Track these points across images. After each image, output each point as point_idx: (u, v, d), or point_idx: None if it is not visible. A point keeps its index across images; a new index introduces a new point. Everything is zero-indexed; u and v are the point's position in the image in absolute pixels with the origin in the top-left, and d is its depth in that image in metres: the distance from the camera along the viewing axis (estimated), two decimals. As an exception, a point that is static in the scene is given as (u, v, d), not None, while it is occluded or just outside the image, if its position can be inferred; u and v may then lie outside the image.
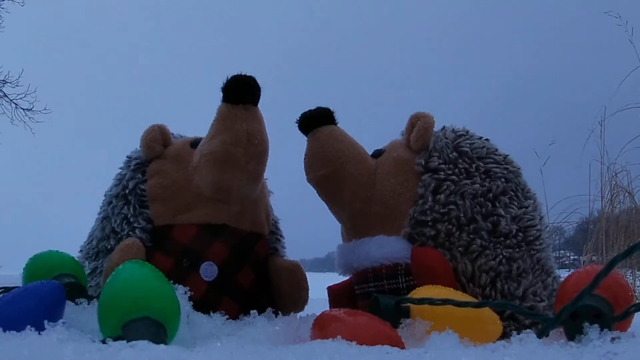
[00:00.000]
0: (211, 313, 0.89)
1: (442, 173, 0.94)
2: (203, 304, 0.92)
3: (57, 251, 0.94)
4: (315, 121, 1.02)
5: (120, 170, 1.10)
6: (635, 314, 0.70)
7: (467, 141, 0.98)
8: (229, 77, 0.95)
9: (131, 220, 1.01)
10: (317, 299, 1.12)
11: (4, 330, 0.60)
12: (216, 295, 0.98)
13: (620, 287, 0.71)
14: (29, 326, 0.60)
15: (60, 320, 0.65)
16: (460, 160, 0.95)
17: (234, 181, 0.97)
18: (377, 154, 1.06)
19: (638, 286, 2.44)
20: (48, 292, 0.69)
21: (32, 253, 0.92)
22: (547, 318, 0.70)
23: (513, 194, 0.94)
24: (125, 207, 1.02)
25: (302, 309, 1.10)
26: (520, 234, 0.92)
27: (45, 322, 0.62)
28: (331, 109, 1.03)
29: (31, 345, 0.52)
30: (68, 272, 0.90)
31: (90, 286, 1.00)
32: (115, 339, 0.55)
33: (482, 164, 0.95)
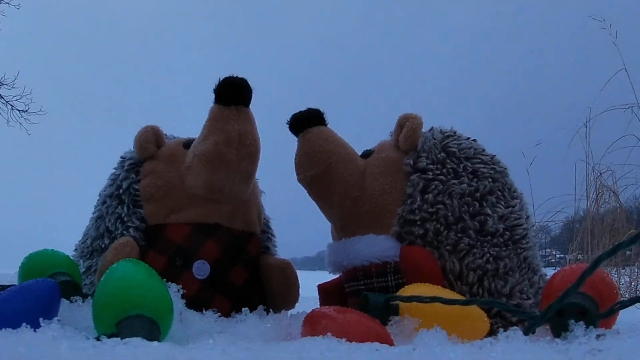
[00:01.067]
0: (204, 311, 0.89)
1: (430, 173, 0.95)
2: (196, 302, 0.92)
3: (52, 250, 0.95)
4: (306, 122, 1.02)
5: (114, 170, 1.10)
6: (620, 311, 0.71)
7: (455, 142, 0.99)
8: (221, 78, 0.96)
9: (125, 219, 1.01)
10: (308, 297, 1.13)
11: (0, 328, 0.60)
12: (209, 293, 0.99)
13: (605, 285, 0.72)
14: (24, 324, 0.60)
15: (56, 318, 0.65)
16: (448, 161, 0.96)
17: (226, 181, 0.98)
18: (367, 154, 1.06)
19: (623, 284, 2.46)
20: (43, 291, 0.70)
21: (27, 252, 0.93)
22: (533, 315, 0.71)
23: (500, 193, 0.95)
24: (119, 206, 1.03)
25: (293, 306, 1.11)
26: (507, 232, 0.93)
27: (41, 319, 0.62)
28: (321, 110, 1.03)
29: (27, 343, 0.52)
30: (63, 270, 0.91)
31: (85, 284, 1.01)
32: (109, 336, 0.55)
33: (469, 164, 0.96)
